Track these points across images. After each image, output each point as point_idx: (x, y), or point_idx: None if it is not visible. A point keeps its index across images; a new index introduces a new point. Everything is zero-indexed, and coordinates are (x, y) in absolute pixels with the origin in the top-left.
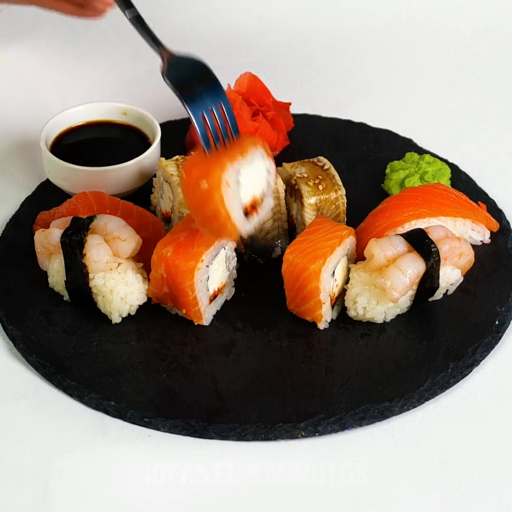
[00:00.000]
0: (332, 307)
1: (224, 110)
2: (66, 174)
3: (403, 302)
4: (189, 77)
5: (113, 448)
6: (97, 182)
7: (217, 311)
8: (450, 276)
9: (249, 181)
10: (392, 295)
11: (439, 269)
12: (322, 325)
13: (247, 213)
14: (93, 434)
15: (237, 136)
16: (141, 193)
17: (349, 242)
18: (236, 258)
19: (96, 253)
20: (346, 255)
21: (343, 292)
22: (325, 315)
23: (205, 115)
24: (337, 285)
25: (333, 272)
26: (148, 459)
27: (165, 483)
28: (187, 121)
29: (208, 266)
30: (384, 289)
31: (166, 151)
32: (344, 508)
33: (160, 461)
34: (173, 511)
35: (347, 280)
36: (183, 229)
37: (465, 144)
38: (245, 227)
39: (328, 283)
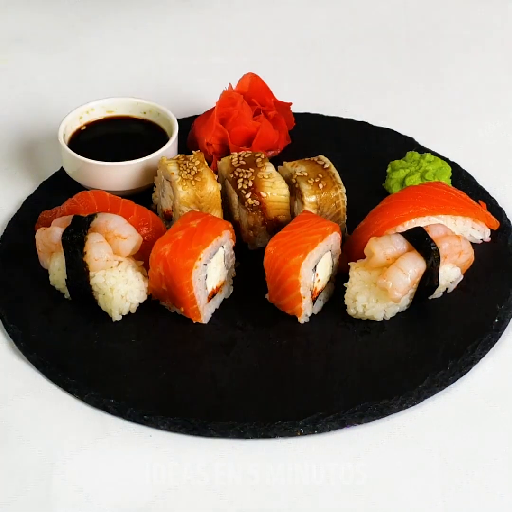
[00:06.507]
0: (313, 301)
1: None
2: (79, 167)
3: (403, 300)
4: None
5: (115, 449)
6: (114, 177)
7: (217, 309)
8: (449, 274)
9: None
10: (394, 296)
11: (438, 267)
12: (302, 319)
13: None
14: (94, 434)
15: None
16: (142, 192)
17: (333, 237)
18: (234, 257)
19: (97, 251)
20: (330, 251)
21: (330, 287)
22: (305, 309)
23: None
24: (319, 280)
25: (315, 267)
26: (149, 459)
27: (166, 483)
28: (189, 120)
29: (206, 265)
30: (386, 289)
31: None
32: (345, 505)
33: (161, 461)
34: (174, 511)
35: (331, 276)
36: (181, 228)
37: (466, 143)
38: None
39: (308, 277)
